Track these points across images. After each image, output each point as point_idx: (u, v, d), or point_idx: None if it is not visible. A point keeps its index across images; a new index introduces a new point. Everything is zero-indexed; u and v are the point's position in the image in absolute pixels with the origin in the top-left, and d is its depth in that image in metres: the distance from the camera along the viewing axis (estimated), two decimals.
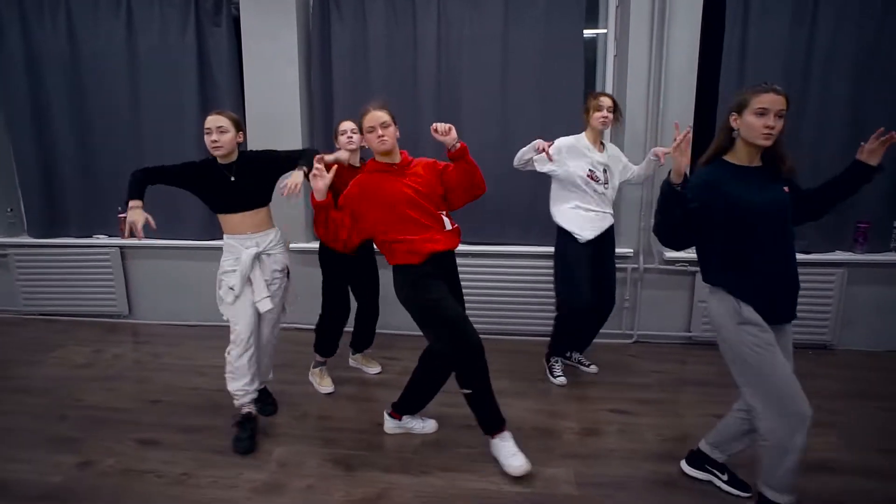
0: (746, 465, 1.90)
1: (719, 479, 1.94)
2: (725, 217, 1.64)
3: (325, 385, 2.70)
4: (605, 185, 2.67)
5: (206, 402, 2.55)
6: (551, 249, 2.83)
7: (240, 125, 2.29)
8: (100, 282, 3.77)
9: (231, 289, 2.19)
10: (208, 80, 3.51)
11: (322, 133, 3.42)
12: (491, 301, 3.38)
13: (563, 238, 2.66)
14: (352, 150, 2.56)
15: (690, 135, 1.67)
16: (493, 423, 2.03)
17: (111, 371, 2.86)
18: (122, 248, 3.74)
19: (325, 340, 2.70)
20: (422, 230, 2.01)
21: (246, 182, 2.24)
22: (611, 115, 2.59)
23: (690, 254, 3.17)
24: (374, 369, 2.93)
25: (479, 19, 3.20)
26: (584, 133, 2.66)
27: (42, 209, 3.78)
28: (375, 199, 2.02)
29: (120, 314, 3.82)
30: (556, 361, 2.87)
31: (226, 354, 2.19)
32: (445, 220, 2.10)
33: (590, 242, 2.62)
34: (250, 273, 2.21)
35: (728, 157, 1.71)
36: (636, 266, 3.32)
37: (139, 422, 2.39)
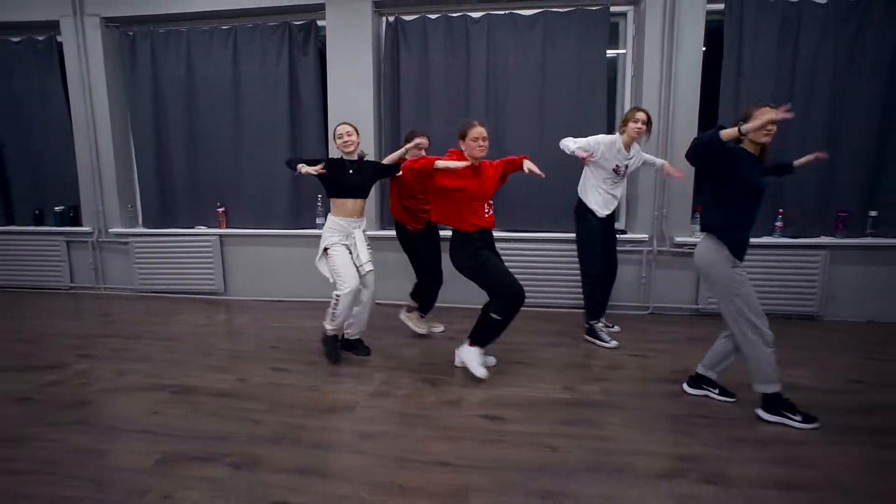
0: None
1: (712, 392, 2.60)
2: (739, 189, 2.32)
3: (421, 327, 3.54)
4: (623, 178, 3.37)
5: (314, 348, 3.29)
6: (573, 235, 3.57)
7: (358, 131, 3.10)
8: (202, 265, 4.58)
9: (348, 251, 2.99)
10: (296, 100, 4.32)
11: (390, 145, 4.19)
12: (531, 277, 4.09)
13: (585, 216, 3.38)
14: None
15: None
16: (485, 341, 2.80)
17: (229, 328, 3.62)
18: (220, 236, 4.55)
19: (429, 300, 3.50)
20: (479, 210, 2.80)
21: (361, 177, 3.04)
22: (644, 127, 3.24)
23: (697, 238, 3.86)
24: (437, 328, 3.63)
25: (522, 48, 3.96)
26: (620, 136, 3.33)
27: (156, 205, 4.62)
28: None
29: (218, 291, 4.61)
30: (600, 325, 3.48)
31: (333, 298, 2.94)
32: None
33: (601, 219, 3.35)
34: (361, 245, 3.01)
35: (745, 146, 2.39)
36: (651, 249, 3.99)
37: (269, 357, 3.14)
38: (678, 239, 3.94)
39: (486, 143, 2.77)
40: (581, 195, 3.41)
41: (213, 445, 2.13)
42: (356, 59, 4.12)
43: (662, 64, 3.82)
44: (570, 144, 3.27)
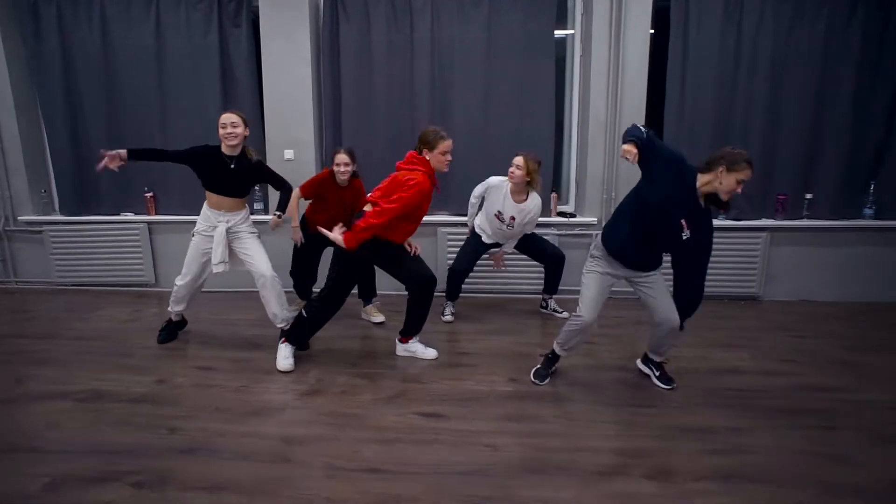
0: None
1: (653, 374, 2.59)
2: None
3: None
4: (509, 227, 3.29)
5: (245, 342, 3.07)
6: None
7: (247, 123, 2.83)
8: (129, 254, 4.21)
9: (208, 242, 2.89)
10: (229, 75, 3.99)
11: (331, 125, 3.94)
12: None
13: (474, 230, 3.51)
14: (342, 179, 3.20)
15: None
16: (416, 330, 2.83)
17: (155, 323, 3.32)
18: (149, 223, 4.19)
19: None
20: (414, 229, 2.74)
21: (240, 175, 2.84)
22: (519, 172, 3.12)
23: None
24: (379, 318, 3.48)
25: (466, 23, 3.77)
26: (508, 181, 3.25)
27: (74, 190, 4.20)
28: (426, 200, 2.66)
29: (148, 283, 4.27)
30: (447, 304, 3.57)
31: (175, 282, 2.97)
32: None
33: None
34: (219, 242, 2.84)
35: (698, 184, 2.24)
36: (598, 233, 3.94)
37: (196, 355, 2.90)
38: None
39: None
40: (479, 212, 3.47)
41: (116, 461, 1.91)
42: (293, 33, 3.82)
43: (610, 43, 3.72)
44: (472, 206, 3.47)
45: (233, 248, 2.93)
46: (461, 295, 3.59)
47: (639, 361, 2.73)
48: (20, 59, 4.08)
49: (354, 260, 2.65)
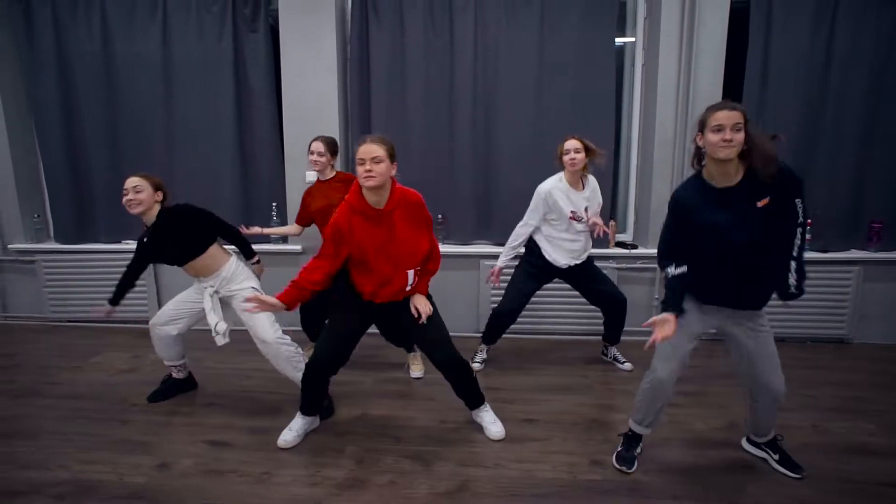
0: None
1: (771, 457, 2.08)
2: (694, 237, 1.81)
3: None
4: (587, 223, 2.81)
5: (261, 406, 2.58)
6: None
7: (159, 185, 2.37)
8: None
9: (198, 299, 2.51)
10: (244, 85, 3.54)
11: (358, 141, 3.46)
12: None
13: (529, 256, 2.94)
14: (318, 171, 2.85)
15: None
16: (475, 402, 2.35)
17: (157, 376, 2.85)
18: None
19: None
20: (379, 279, 2.07)
21: (160, 241, 2.37)
22: (578, 157, 2.67)
23: None
24: (417, 373, 2.99)
25: (516, 27, 3.32)
26: (562, 176, 2.78)
27: (70, 215, 3.75)
28: (352, 241, 2.01)
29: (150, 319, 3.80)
30: (481, 349, 3.11)
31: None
32: (410, 276, 2.11)
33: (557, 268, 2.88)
34: (210, 310, 2.44)
35: (706, 177, 1.80)
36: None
37: (205, 423, 2.41)
38: None
39: (380, 168, 1.91)
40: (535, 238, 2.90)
41: None
42: (317, 39, 3.37)
43: (681, 51, 3.25)
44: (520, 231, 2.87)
45: (232, 308, 2.49)
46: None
47: (744, 442, 2.22)
48: (11, 67, 3.66)
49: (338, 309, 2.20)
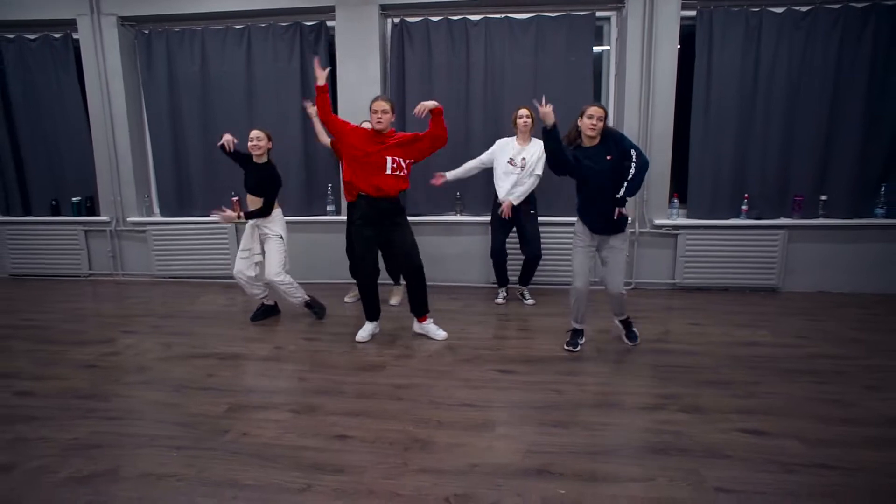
0: None
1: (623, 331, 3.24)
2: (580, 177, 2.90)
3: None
4: (522, 168, 3.89)
5: (336, 320, 3.66)
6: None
7: (270, 136, 3.52)
8: (218, 250, 4.88)
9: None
10: (307, 95, 4.60)
11: None
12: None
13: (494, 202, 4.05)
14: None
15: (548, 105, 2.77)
16: (421, 311, 3.36)
17: (249, 308, 3.93)
18: (235, 223, 4.84)
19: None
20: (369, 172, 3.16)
21: (253, 171, 3.49)
22: (529, 121, 3.88)
23: (673, 220, 4.35)
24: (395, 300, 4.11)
25: (516, 50, 4.35)
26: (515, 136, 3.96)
27: (172, 195, 4.89)
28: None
29: None
30: (499, 291, 4.17)
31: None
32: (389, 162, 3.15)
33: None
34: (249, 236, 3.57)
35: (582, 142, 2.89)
36: (633, 230, 4.46)
37: (299, 329, 3.50)
38: (657, 221, 4.41)
39: (386, 117, 3.12)
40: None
41: (271, 397, 2.51)
42: (364, 59, 4.45)
43: (642, 63, 4.26)
44: (466, 167, 4.06)
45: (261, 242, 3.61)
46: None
47: (616, 320, 3.27)
48: (133, 84, 4.80)
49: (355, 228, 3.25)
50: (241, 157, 3.51)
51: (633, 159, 2.79)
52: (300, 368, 2.87)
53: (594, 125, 2.77)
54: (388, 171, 3.12)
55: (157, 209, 5.06)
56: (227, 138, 3.41)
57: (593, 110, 2.77)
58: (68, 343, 3.27)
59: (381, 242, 3.28)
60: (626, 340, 3.20)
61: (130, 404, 2.44)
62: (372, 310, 3.34)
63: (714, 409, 2.38)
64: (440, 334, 3.33)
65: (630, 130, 4.35)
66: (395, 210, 3.22)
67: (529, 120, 3.88)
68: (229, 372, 2.81)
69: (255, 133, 3.46)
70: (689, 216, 4.44)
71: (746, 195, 4.38)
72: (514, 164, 3.88)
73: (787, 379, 2.70)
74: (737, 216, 4.42)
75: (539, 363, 2.92)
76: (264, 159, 3.50)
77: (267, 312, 3.82)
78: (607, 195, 2.84)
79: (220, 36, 4.59)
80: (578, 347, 3.11)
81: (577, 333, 3.16)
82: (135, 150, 4.86)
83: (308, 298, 3.70)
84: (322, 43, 4.55)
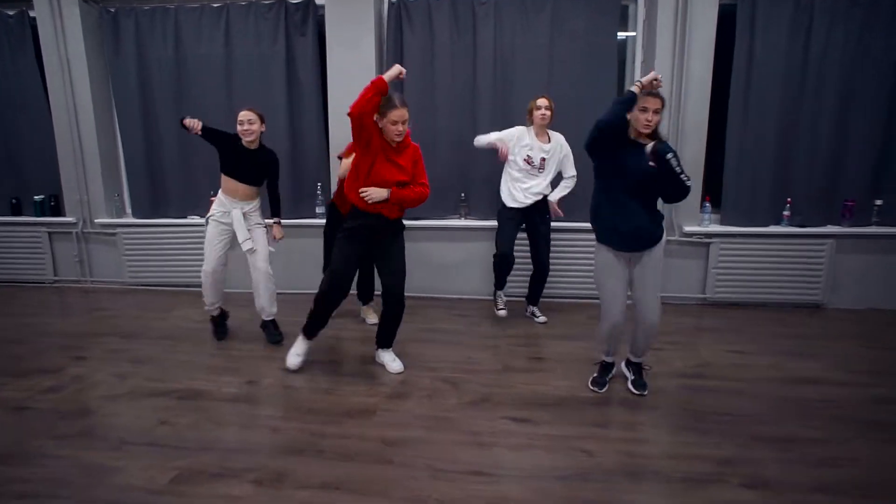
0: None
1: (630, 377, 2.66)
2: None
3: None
4: (540, 170, 3.37)
5: (325, 345, 3.17)
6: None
7: (262, 118, 3.06)
8: (196, 256, 4.36)
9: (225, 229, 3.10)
10: (294, 81, 4.11)
11: None
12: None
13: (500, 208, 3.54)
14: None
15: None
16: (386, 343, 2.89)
17: (231, 324, 3.46)
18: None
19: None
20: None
21: (246, 159, 3.04)
22: (548, 113, 3.32)
23: (705, 227, 3.85)
24: (373, 319, 3.58)
25: (529, 31, 3.82)
26: (529, 127, 3.40)
27: (145, 194, 4.39)
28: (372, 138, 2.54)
29: None
30: (498, 295, 3.64)
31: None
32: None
33: (515, 209, 3.45)
34: (239, 222, 3.06)
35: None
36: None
37: (277, 356, 3.01)
38: (687, 228, 3.90)
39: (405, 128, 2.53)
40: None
41: (232, 459, 2.02)
42: (357, 41, 3.92)
43: (674, 49, 3.72)
44: (484, 138, 3.44)
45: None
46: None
47: (622, 364, 2.74)
48: (99, 68, 4.28)
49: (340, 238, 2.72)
50: (219, 136, 3.01)
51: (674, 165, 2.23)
52: (272, 415, 2.39)
53: (649, 120, 2.23)
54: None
55: (128, 209, 4.57)
56: (191, 123, 2.92)
57: (651, 101, 2.22)
58: (3, 373, 2.79)
59: (365, 259, 2.87)
60: (631, 389, 2.60)
61: (56, 470, 1.96)
62: (317, 328, 2.83)
63: (786, 482, 1.89)
64: (395, 367, 2.83)
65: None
66: (393, 228, 2.73)
67: (549, 112, 3.33)
68: (187, 418, 2.33)
69: (245, 115, 2.97)
70: (722, 222, 3.93)
71: (789, 199, 3.86)
72: (533, 163, 3.37)
73: (859, 433, 2.21)
74: (778, 223, 3.91)
75: (560, 408, 2.43)
76: (256, 145, 3.04)
77: (224, 322, 3.39)
78: (644, 203, 2.34)
79: (195, 15, 4.06)
80: (606, 387, 2.62)
81: (606, 369, 2.68)
82: (102, 143, 4.35)
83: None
84: (310, 23, 4.02)
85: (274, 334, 3.26)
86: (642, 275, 2.43)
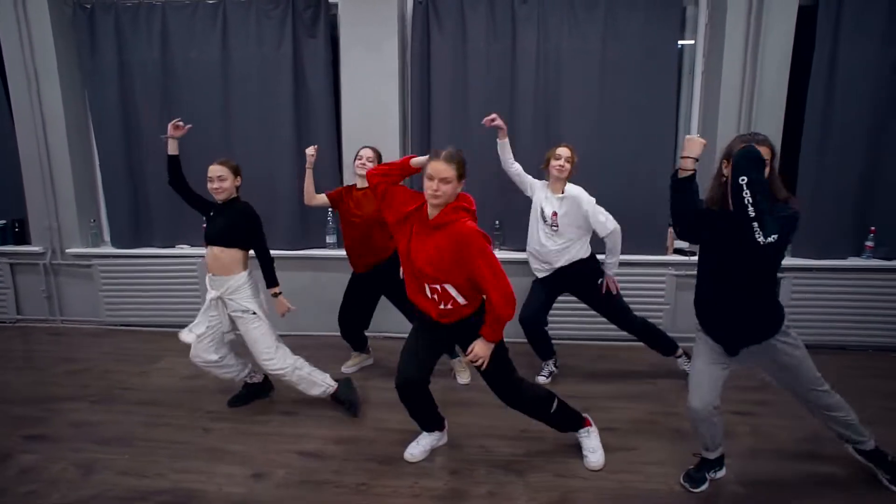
0: None
1: (881, 473, 2.04)
2: None
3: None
4: (554, 227, 2.79)
5: (343, 414, 2.58)
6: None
7: (236, 170, 2.54)
8: (185, 292, 3.77)
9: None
10: (302, 90, 3.55)
11: (417, 146, 3.46)
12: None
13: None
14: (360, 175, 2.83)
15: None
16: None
17: (223, 382, 2.86)
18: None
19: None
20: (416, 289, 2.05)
21: (215, 215, 2.50)
22: (567, 165, 2.73)
23: None
24: (465, 379, 3.00)
25: (578, 35, 3.30)
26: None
27: (126, 220, 3.78)
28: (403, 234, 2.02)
29: None
30: (544, 364, 3.05)
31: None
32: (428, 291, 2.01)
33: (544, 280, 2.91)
34: (204, 310, 2.52)
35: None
36: None
37: (289, 432, 2.42)
38: None
39: (447, 188, 1.88)
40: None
41: None
42: (377, 45, 3.38)
43: (745, 56, 3.23)
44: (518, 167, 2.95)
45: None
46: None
47: (850, 448, 2.12)
48: (72, 74, 3.69)
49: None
50: (196, 198, 2.59)
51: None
52: None
53: (561, 167, 1.85)
54: (428, 294, 2.03)
55: (106, 238, 3.95)
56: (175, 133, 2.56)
57: (762, 151, 1.67)
58: None
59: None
60: (887, 485, 2.00)
61: None
62: (422, 419, 2.23)
63: None
64: (593, 460, 2.18)
65: (723, 142, 3.31)
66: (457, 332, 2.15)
67: (568, 165, 2.74)
68: None
69: (214, 170, 2.46)
70: (794, 254, 3.43)
71: (873, 228, 3.37)
72: (546, 219, 2.82)
73: None
74: (859, 255, 3.42)
75: None
76: (229, 197, 2.51)
77: (254, 394, 2.75)
78: (740, 283, 1.80)
79: (186, 12, 3.49)
80: (704, 485, 2.03)
81: (709, 464, 2.07)
82: (76, 161, 3.74)
83: (335, 387, 2.60)
84: (321, 24, 3.46)
85: (348, 405, 2.61)
86: (780, 362, 1.90)
